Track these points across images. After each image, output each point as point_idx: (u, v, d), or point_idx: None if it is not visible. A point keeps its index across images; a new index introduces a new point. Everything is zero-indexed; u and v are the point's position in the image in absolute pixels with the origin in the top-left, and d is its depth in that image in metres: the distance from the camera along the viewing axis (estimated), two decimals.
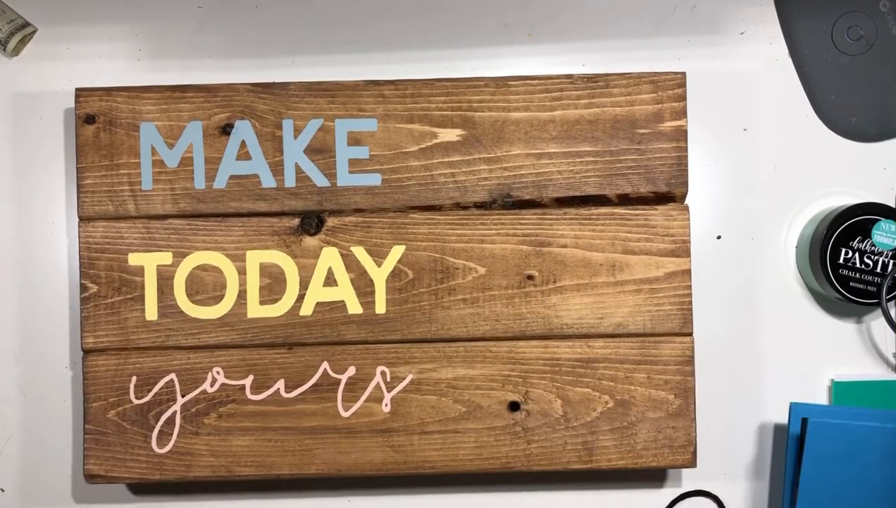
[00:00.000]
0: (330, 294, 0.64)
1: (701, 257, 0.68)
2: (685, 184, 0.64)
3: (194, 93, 0.65)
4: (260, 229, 0.64)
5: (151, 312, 0.64)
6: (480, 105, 0.64)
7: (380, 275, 0.64)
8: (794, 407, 0.64)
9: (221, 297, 0.64)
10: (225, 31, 0.69)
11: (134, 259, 0.64)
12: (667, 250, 0.64)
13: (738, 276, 0.68)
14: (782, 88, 0.69)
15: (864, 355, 0.68)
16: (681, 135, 0.64)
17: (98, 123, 0.64)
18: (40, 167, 0.69)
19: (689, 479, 0.68)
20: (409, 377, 0.64)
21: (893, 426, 0.62)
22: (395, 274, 0.64)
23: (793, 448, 0.63)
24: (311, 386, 0.64)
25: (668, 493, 0.68)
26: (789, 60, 0.69)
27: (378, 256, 0.64)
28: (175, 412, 0.64)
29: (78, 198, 0.64)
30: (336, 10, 0.69)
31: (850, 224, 0.64)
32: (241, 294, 0.64)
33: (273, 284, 0.64)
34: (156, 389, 0.64)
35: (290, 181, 0.65)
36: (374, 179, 0.65)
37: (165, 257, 0.64)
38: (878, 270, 0.64)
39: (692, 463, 0.64)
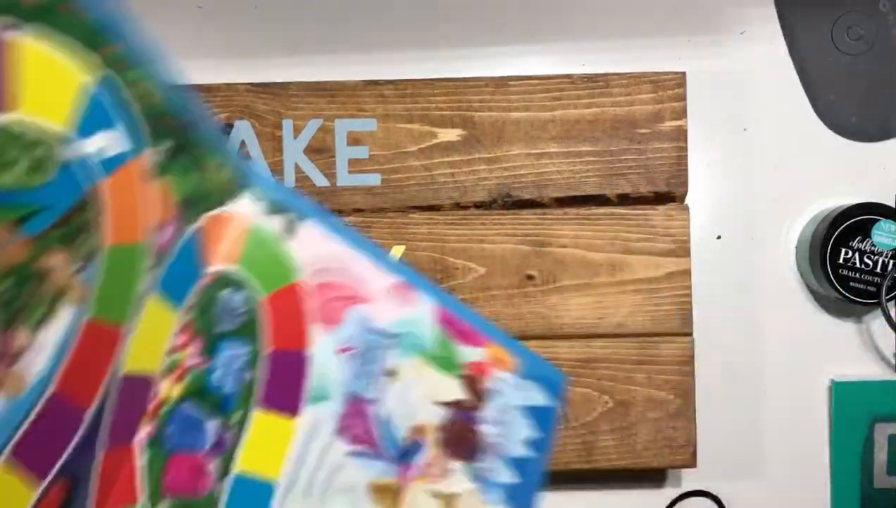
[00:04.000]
0: None
1: (701, 257, 0.68)
2: (685, 184, 0.64)
3: (193, 93, 0.64)
4: None
5: None
6: (480, 105, 0.64)
7: None
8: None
9: None
10: (225, 31, 0.69)
11: None
12: (667, 249, 0.64)
13: (738, 276, 0.68)
14: (782, 88, 0.68)
15: (864, 355, 0.68)
16: (681, 135, 0.64)
17: None
18: None
19: (689, 479, 0.68)
20: None
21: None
22: None
23: None
24: None
25: (668, 493, 0.68)
26: (789, 60, 0.68)
27: None
28: None
29: None
30: (336, 10, 0.69)
31: (850, 224, 0.64)
32: None
33: None
34: None
35: (289, 181, 0.64)
36: (373, 179, 0.65)
37: None
38: (878, 270, 0.64)
39: (692, 463, 0.64)
